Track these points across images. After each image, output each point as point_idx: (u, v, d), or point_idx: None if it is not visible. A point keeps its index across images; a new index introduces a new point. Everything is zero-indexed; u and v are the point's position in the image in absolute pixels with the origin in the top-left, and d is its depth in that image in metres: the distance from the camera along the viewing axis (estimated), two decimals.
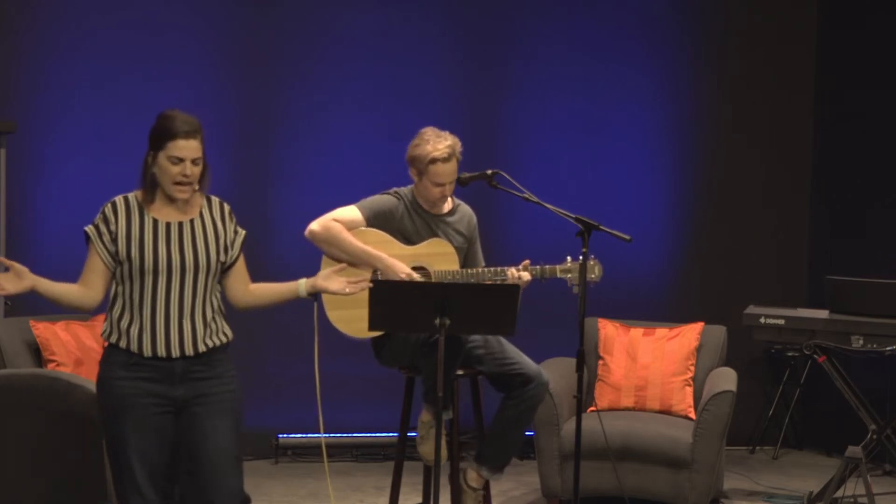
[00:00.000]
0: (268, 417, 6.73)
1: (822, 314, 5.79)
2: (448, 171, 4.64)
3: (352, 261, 4.62)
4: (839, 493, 5.33)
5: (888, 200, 6.95)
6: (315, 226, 4.68)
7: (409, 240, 4.74)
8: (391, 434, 6.20)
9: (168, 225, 3.69)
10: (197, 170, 3.66)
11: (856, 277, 5.83)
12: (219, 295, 3.81)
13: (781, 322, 5.80)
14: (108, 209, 3.69)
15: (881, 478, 6.44)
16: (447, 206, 4.83)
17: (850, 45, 7.23)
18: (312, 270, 4.68)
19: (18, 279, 3.59)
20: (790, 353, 7.12)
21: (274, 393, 6.74)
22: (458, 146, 4.69)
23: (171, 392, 3.68)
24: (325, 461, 4.38)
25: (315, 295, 4.05)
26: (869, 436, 5.76)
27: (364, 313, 4.33)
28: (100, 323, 5.46)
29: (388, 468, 5.02)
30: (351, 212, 4.72)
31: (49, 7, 6.51)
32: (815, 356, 5.78)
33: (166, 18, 6.65)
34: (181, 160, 3.63)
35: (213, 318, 3.75)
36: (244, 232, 3.86)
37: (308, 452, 6.71)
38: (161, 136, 3.65)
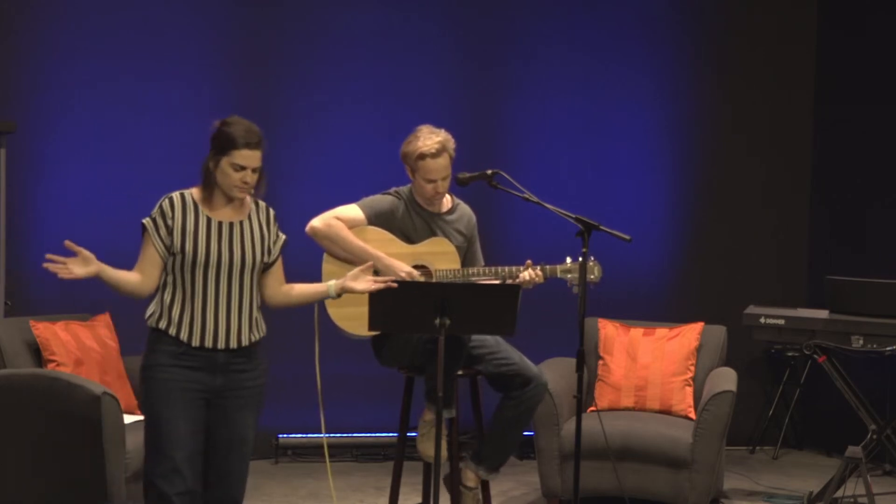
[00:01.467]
0: (268, 417, 6.65)
1: (822, 314, 5.79)
2: (438, 167, 4.64)
3: (352, 259, 4.63)
4: (839, 493, 5.33)
5: (888, 200, 6.95)
6: (317, 222, 4.70)
7: (409, 238, 4.74)
8: (391, 434, 6.20)
9: (220, 223, 3.92)
10: (255, 177, 3.90)
11: (856, 277, 5.83)
12: (258, 293, 4.02)
13: (781, 322, 5.80)
14: (166, 204, 3.90)
15: (881, 478, 6.44)
16: (446, 204, 4.83)
17: (850, 46, 7.23)
18: (312, 269, 4.69)
19: (85, 264, 3.77)
20: (790, 353, 7.12)
21: (274, 393, 6.69)
22: (451, 143, 4.68)
23: (210, 381, 3.89)
24: (326, 461, 4.39)
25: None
26: (869, 436, 5.77)
27: (363, 311, 4.35)
28: (100, 323, 5.49)
29: (388, 468, 5.02)
30: (353, 210, 4.73)
31: (49, 7, 6.51)
32: (815, 356, 5.78)
33: (166, 18, 6.65)
34: (243, 168, 3.87)
35: (255, 313, 3.98)
36: (284, 237, 4.09)
37: (308, 452, 6.71)
38: (226, 143, 3.88)
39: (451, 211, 4.84)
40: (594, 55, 7.15)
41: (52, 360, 5.20)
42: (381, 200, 4.78)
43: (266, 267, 4.01)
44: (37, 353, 5.25)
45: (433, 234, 4.75)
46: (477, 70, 7.07)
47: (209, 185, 3.92)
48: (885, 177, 6.99)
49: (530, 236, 6.78)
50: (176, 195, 3.93)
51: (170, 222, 3.87)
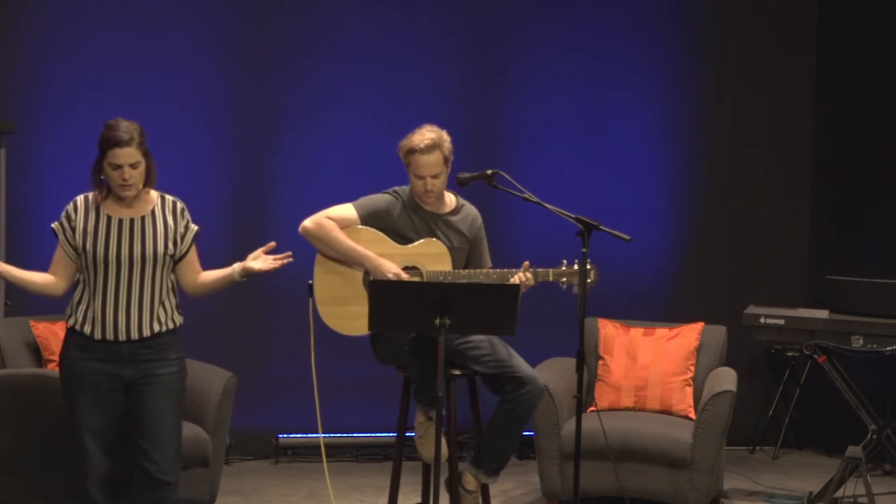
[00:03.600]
0: (268, 417, 6.73)
1: (822, 314, 5.79)
2: (427, 162, 4.62)
3: (343, 259, 4.63)
4: (839, 493, 5.33)
5: (888, 200, 6.95)
6: (308, 223, 4.69)
7: (406, 238, 4.72)
8: (391, 434, 6.19)
9: (121, 221, 4.07)
10: (136, 172, 4.03)
11: (856, 277, 5.83)
12: (171, 285, 4.15)
13: (781, 322, 5.80)
14: (71, 207, 4.11)
15: (881, 478, 6.45)
16: (449, 205, 4.82)
17: (851, 45, 7.23)
18: (310, 267, 4.69)
19: None
20: (790, 353, 7.12)
21: (274, 393, 6.74)
22: (446, 143, 4.66)
23: (119, 372, 4.05)
24: (324, 461, 4.39)
25: (309, 291, 4.41)
26: (869, 436, 5.77)
27: (351, 310, 4.37)
28: None
29: (388, 468, 5.02)
30: (346, 210, 4.72)
31: (49, 7, 6.51)
32: (815, 356, 5.79)
33: (167, 18, 6.65)
34: (119, 166, 4.01)
35: (161, 305, 4.10)
36: (196, 227, 4.20)
37: (308, 452, 6.71)
38: (103, 144, 4.04)
39: (454, 212, 4.81)
40: (594, 55, 7.15)
41: (52, 360, 5.19)
42: (376, 200, 4.77)
43: (178, 259, 4.14)
44: (37, 353, 5.25)
45: (433, 234, 4.73)
46: (477, 70, 7.06)
47: (102, 186, 4.07)
48: (885, 176, 6.99)
49: (530, 236, 6.78)
50: (80, 198, 4.11)
51: (73, 224, 4.06)
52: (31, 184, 6.45)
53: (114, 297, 4.02)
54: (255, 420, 6.65)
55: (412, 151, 4.62)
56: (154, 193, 4.14)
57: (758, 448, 7.20)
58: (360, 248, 4.63)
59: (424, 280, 4.64)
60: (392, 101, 6.86)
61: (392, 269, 4.61)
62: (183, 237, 4.14)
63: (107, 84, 6.53)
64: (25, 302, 6.00)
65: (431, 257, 4.68)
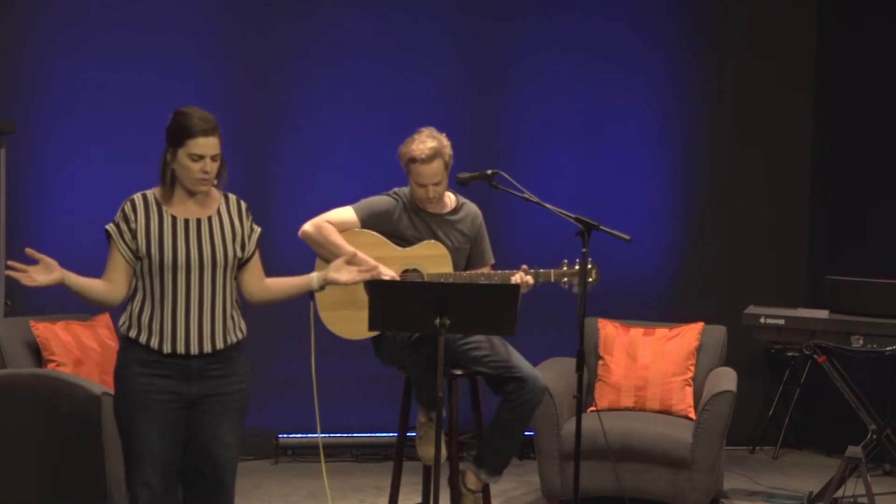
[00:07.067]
0: (268, 417, 6.73)
1: (822, 314, 5.79)
2: (429, 172, 4.61)
3: None
4: (839, 493, 5.33)
5: (888, 200, 6.95)
6: (308, 227, 4.69)
7: (407, 241, 4.72)
8: (391, 434, 6.20)
9: (187, 221, 3.75)
10: (216, 165, 3.73)
11: (856, 277, 5.83)
12: (235, 291, 3.84)
13: (781, 322, 5.80)
14: (128, 207, 3.75)
15: (881, 478, 6.45)
16: (449, 205, 4.82)
17: (851, 45, 7.23)
18: (310, 269, 4.69)
19: (48, 271, 3.68)
20: (790, 353, 7.12)
21: (274, 393, 6.73)
22: (447, 150, 4.65)
23: (185, 389, 3.73)
24: (322, 460, 4.39)
25: (310, 294, 4.13)
26: (869, 436, 5.77)
27: (354, 314, 4.36)
28: (100, 323, 5.49)
29: (389, 468, 5.03)
30: (345, 213, 4.72)
31: (49, 7, 6.51)
32: (815, 356, 5.79)
33: (167, 18, 6.65)
34: (201, 157, 3.69)
35: (231, 313, 3.81)
36: (259, 229, 3.91)
37: (308, 452, 6.71)
38: (180, 134, 3.70)
39: (454, 211, 4.81)
40: (594, 55, 7.15)
41: (52, 360, 5.20)
42: (377, 202, 4.77)
43: (242, 263, 3.83)
44: (37, 353, 5.25)
45: (434, 234, 4.73)
46: (477, 70, 7.07)
47: (170, 183, 3.75)
48: (885, 176, 6.99)
49: (530, 236, 6.78)
50: (137, 196, 3.77)
51: (133, 226, 3.71)
52: (31, 184, 6.45)
53: (185, 305, 3.68)
54: (254, 420, 6.61)
55: (413, 160, 4.61)
56: (216, 192, 3.82)
57: (758, 448, 7.20)
58: (358, 253, 4.62)
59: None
60: (392, 101, 6.86)
61: (390, 275, 4.60)
62: (249, 239, 3.83)
63: (107, 84, 6.54)
64: (25, 302, 6.00)
65: (432, 259, 4.68)
